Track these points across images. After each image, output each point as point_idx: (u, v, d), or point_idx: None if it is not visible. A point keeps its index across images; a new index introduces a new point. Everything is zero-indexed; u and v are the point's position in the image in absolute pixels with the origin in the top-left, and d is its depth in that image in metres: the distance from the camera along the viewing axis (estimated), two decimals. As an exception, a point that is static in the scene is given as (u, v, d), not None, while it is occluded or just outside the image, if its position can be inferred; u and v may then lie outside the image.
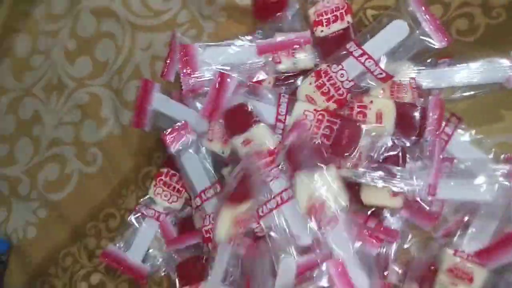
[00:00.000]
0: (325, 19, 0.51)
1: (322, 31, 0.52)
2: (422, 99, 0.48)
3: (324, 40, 0.52)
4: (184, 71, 0.54)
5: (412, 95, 0.48)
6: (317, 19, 0.52)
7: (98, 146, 0.67)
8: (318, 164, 0.44)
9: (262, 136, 0.49)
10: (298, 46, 0.53)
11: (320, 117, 0.48)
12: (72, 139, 0.69)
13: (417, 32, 0.48)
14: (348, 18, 0.51)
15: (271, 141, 0.48)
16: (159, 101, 0.58)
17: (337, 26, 0.51)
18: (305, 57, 0.52)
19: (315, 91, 0.48)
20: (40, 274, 0.68)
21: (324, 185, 0.44)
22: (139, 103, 0.58)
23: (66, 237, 0.68)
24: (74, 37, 0.71)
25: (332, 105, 0.48)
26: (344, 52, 0.48)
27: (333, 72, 0.48)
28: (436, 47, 0.48)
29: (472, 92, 0.49)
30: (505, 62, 0.48)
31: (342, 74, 0.48)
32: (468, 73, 0.48)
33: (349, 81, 0.47)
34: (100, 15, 0.69)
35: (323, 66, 0.48)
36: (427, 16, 0.49)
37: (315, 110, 0.48)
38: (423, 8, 0.49)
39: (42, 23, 0.73)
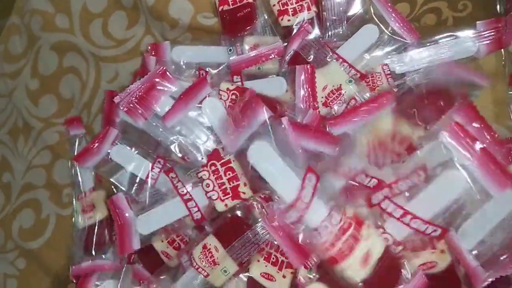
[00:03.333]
0: (291, 8, 0.50)
1: (288, 20, 0.50)
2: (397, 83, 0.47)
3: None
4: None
5: (387, 81, 0.48)
6: (281, 8, 0.51)
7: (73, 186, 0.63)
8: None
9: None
10: (272, 57, 0.51)
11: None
12: (45, 182, 0.66)
13: (387, 32, 0.48)
14: (314, 8, 0.50)
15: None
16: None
17: (303, 16, 0.50)
18: (271, 66, 0.52)
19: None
20: (24, 330, 0.64)
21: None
22: (106, 115, 0.57)
23: (50, 285, 0.64)
24: (36, 76, 0.68)
25: None
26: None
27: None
28: (407, 42, 0.47)
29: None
30: (471, 33, 0.47)
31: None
32: (437, 51, 0.47)
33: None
34: (61, 50, 0.66)
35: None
36: (394, 15, 0.48)
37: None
38: (390, 8, 0.48)
39: (2, 64, 0.70)
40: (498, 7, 0.48)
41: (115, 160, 0.55)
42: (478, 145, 0.38)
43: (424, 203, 0.40)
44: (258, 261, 0.44)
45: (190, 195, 0.47)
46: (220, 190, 0.45)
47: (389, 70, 0.48)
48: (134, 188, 0.53)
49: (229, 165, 0.46)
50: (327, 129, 0.44)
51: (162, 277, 0.53)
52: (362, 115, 0.45)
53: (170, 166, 0.49)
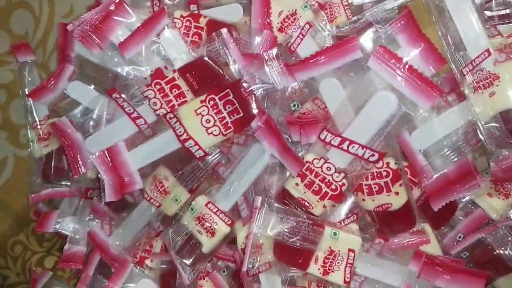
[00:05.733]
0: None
1: None
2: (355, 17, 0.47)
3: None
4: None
5: (345, 13, 0.48)
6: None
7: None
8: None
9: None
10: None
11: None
12: (1, 122, 0.64)
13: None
14: None
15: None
16: (81, 46, 0.53)
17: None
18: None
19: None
20: (-12, 269, 0.64)
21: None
22: (61, 50, 0.55)
23: (11, 225, 0.64)
24: (-16, 10, 0.64)
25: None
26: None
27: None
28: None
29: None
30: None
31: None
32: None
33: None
34: (9, -18, 0.63)
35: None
36: None
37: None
38: None
39: None
40: None
41: (72, 96, 0.54)
42: (403, 65, 0.40)
43: (359, 128, 0.41)
44: (297, 184, 0.44)
45: (138, 113, 0.46)
46: (168, 107, 0.46)
47: (347, 1, 0.48)
48: (90, 124, 0.52)
49: (174, 82, 0.45)
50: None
51: (120, 213, 0.54)
52: (326, 61, 0.44)
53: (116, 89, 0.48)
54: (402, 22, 0.41)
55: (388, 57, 0.40)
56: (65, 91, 0.54)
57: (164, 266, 0.53)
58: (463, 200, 0.48)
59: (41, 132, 0.58)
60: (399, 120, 0.41)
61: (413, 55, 0.41)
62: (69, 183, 0.57)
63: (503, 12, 0.44)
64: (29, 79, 0.60)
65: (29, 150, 0.61)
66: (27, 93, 0.59)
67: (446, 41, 0.44)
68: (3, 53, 0.64)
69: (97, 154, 0.48)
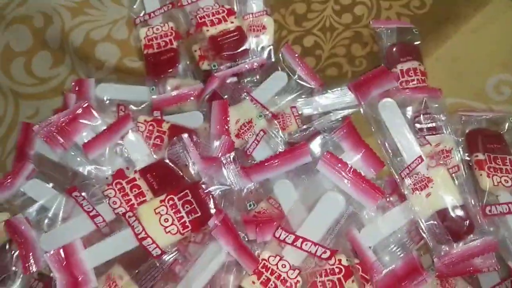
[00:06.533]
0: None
1: (208, 64, 0.56)
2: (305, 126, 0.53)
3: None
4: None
5: (296, 122, 0.53)
6: (202, 54, 0.58)
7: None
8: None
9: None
10: (192, 98, 0.55)
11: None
12: None
13: (294, 78, 0.55)
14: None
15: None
16: (41, 145, 0.54)
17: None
18: (191, 107, 0.56)
19: None
20: None
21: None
22: (19, 147, 0.56)
23: None
24: None
25: None
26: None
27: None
28: (312, 87, 0.55)
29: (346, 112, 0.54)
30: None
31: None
32: (339, 96, 0.54)
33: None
34: (-22, 86, 0.65)
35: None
36: (300, 64, 0.56)
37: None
38: (297, 59, 0.56)
39: None
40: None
41: (29, 194, 0.54)
42: (348, 168, 0.45)
43: (311, 226, 0.44)
44: (253, 282, 0.44)
45: (97, 211, 0.47)
46: (128, 206, 0.46)
47: (298, 112, 0.54)
48: (45, 222, 0.52)
49: (135, 182, 0.47)
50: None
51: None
52: (279, 165, 0.48)
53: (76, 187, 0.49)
54: (345, 131, 0.46)
55: (334, 161, 0.44)
56: (21, 189, 0.53)
57: None
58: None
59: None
60: (347, 219, 0.44)
61: (356, 159, 0.46)
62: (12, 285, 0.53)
63: (430, 125, 0.51)
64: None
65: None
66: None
67: (385, 148, 0.50)
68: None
69: (51, 252, 0.46)
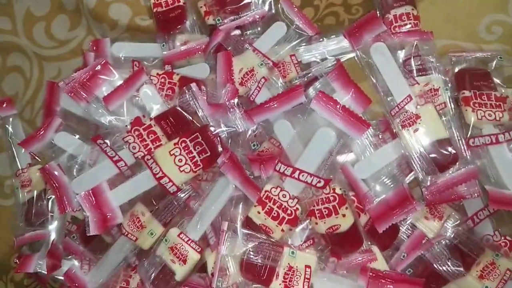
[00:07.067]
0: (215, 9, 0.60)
1: (213, 19, 0.60)
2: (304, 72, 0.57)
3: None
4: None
5: (296, 70, 0.57)
6: (207, 10, 0.61)
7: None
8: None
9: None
10: (199, 52, 0.60)
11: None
12: (-13, 175, 0.69)
13: (293, 27, 0.59)
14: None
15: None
16: (66, 101, 0.61)
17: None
18: (199, 59, 0.61)
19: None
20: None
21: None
22: (47, 104, 0.62)
23: (-9, 273, 0.66)
24: (-20, 74, 0.72)
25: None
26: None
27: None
28: (309, 35, 0.58)
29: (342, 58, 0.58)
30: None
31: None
32: (335, 43, 0.58)
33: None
34: (5, 50, 0.71)
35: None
36: (298, 14, 0.59)
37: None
38: (295, 9, 0.59)
39: None
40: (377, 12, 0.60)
41: (58, 145, 0.60)
42: (339, 105, 0.49)
43: (307, 159, 0.49)
44: (259, 212, 0.50)
45: (119, 156, 0.53)
46: (146, 150, 0.52)
47: (297, 60, 0.58)
48: (75, 168, 0.58)
49: (151, 129, 0.53)
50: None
51: (98, 253, 0.58)
52: (277, 106, 0.53)
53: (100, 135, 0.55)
54: (336, 73, 0.50)
55: (326, 100, 0.49)
56: (52, 140, 0.60)
57: (140, 301, 0.56)
58: (405, 224, 0.55)
59: (23, 179, 0.63)
60: (339, 151, 0.49)
61: (346, 98, 0.50)
62: (50, 226, 0.61)
63: (420, 66, 0.55)
64: (12, 131, 0.67)
65: (13, 199, 0.66)
66: (11, 144, 0.65)
67: (377, 89, 0.54)
68: (-7, 111, 0.71)
69: (82, 194, 0.53)
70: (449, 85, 0.54)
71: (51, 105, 0.64)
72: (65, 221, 0.61)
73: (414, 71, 0.54)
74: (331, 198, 0.49)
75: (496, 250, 0.52)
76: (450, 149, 0.51)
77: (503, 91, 0.54)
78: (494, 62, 0.55)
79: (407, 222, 0.55)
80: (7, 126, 0.67)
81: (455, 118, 0.53)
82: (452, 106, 0.53)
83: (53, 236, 0.59)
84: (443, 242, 0.52)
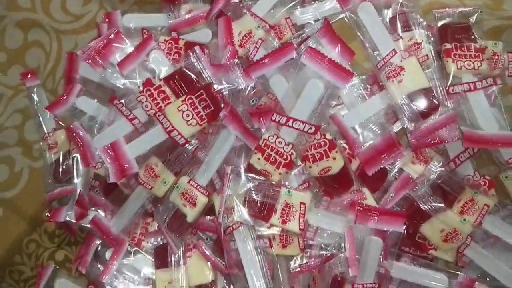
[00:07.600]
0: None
1: None
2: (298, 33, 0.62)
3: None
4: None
5: (291, 31, 0.63)
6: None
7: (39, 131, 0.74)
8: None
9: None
10: (202, 20, 0.65)
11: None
12: (17, 140, 0.76)
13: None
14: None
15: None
16: (85, 69, 0.67)
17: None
18: (202, 27, 0.66)
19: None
20: (6, 264, 0.74)
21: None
22: (67, 73, 0.69)
23: (26, 227, 0.74)
24: (3, 50, 0.78)
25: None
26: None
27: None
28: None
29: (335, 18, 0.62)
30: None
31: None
32: (326, 5, 0.62)
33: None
34: (25, 26, 0.77)
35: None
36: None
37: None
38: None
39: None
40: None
41: (80, 108, 0.67)
42: (326, 59, 0.54)
43: (300, 109, 0.54)
44: (259, 159, 0.56)
45: (133, 115, 0.59)
46: (157, 108, 0.58)
47: (292, 22, 0.63)
48: (96, 127, 0.65)
49: (161, 88, 0.59)
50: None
51: (118, 204, 0.65)
52: (271, 61, 0.58)
53: (116, 96, 0.61)
54: (323, 30, 0.55)
55: (315, 54, 0.54)
56: (74, 104, 0.67)
57: (157, 243, 0.64)
58: (394, 169, 0.60)
59: (50, 142, 0.70)
60: (327, 100, 0.54)
61: (333, 52, 0.55)
62: (76, 181, 0.68)
63: (404, 23, 0.59)
64: (37, 99, 0.74)
65: (42, 160, 0.73)
66: (38, 111, 0.73)
67: (365, 46, 0.59)
68: (19, 84, 0.78)
69: (102, 148, 0.60)
70: (432, 39, 0.58)
71: (71, 73, 0.70)
72: (89, 177, 0.68)
73: (399, 28, 0.59)
74: (322, 143, 0.55)
75: (476, 189, 0.57)
76: (431, 97, 0.56)
77: (482, 43, 0.58)
78: (475, 16, 0.59)
79: (396, 167, 0.60)
80: (32, 95, 0.74)
81: (437, 70, 0.57)
82: (434, 58, 0.58)
83: (79, 188, 0.66)
84: (427, 182, 0.57)
